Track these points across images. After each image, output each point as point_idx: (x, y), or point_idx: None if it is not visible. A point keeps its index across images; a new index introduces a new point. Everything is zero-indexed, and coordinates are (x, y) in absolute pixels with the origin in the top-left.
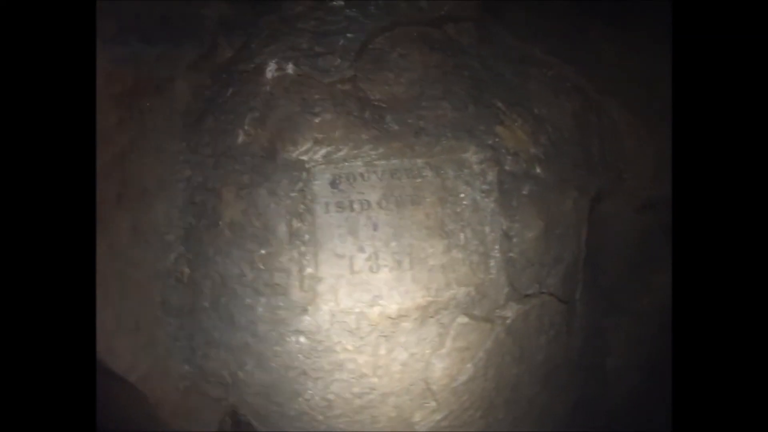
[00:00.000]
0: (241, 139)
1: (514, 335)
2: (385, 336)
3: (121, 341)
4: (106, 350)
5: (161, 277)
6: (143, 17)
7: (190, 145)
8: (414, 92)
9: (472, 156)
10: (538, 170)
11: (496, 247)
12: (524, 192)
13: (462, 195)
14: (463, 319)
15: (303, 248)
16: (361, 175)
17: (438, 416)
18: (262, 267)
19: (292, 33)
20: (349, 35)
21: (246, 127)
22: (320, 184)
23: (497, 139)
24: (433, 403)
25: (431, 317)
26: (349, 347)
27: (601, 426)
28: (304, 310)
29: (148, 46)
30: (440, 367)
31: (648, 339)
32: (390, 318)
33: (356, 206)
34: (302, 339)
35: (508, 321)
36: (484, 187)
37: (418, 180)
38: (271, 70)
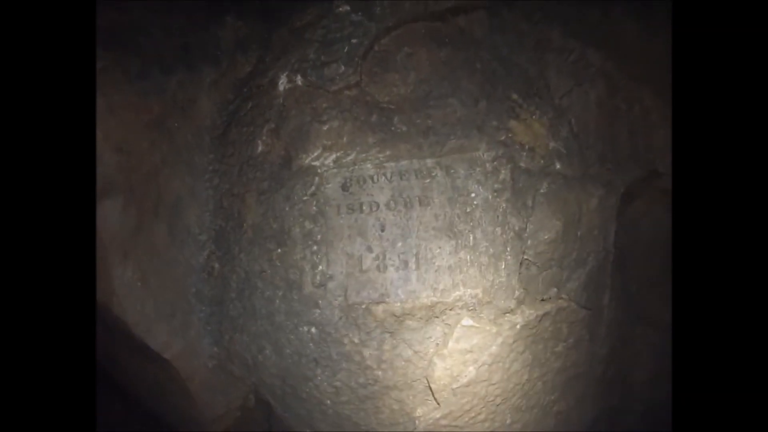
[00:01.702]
0: (260, 148)
1: (525, 341)
2: (390, 332)
3: (159, 325)
4: (146, 331)
5: (195, 272)
6: (164, 50)
7: (217, 156)
8: (422, 91)
9: (483, 154)
10: (557, 166)
11: (508, 248)
12: (541, 190)
13: (473, 195)
14: (467, 322)
15: (315, 248)
16: (371, 177)
17: (438, 414)
18: (278, 264)
19: (301, 44)
20: (353, 41)
21: (264, 138)
22: (332, 188)
23: (511, 135)
24: (434, 402)
25: (436, 317)
26: (356, 340)
27: None
28: (316, 304)
29: (169, 75)
30: (441, 367)
31: None
32: (395, 315)
33: (365, 208)
34: (313, 330)
35: (518, 326)
36: (497, 186)
37: (428, 180)
38: (282, 83)
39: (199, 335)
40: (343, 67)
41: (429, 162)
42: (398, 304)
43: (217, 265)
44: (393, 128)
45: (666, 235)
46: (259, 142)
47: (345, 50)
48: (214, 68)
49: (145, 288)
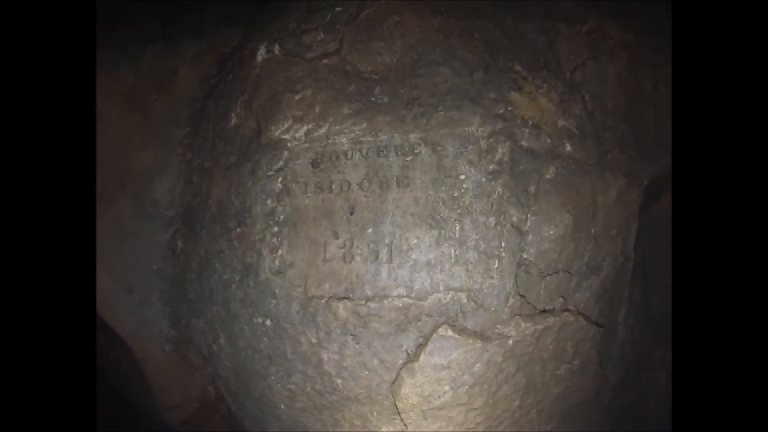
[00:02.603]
0: (233, 121)
1: (518, 360)
2: (352, 335)
3: (115, 299)
4: (101, 305)
5: (160, 248)
6: (143, 21)
7: (193, 129)
8: (408, 59)
9: (477, 129)
10: (568, 148)
11: (503, 244)
12: (547, 175)
13: (462, 177)
14: (446, 331)
15: (276, 229)
16: (345, 153)
17: None
18: (237, 245)
19: (284, 14)
20: (338, 8)
21: (238, 110)
22: (302, 164)
23: (511, 108)
24: (401, 423)
25: (409, 323)
26: (313, 340)
27: None
28: (273, 294)
29: (145, 46)
30: (410, 383)
31: None
32: (359, 315)
33: (335, 187)
34: (268, 322)
35: (511, 341)
36: (492, 167)
37: (409, 158)
38: (261, 54)
39: (158, 316)
40: (322, 34)
41: (412, 137)
42: (363, 301)
43: (180, 243)
44: (372, 98)
45: None
46: (233, 114)
47: (327, 18)
48: (196, 41)
49: (103, 261)
